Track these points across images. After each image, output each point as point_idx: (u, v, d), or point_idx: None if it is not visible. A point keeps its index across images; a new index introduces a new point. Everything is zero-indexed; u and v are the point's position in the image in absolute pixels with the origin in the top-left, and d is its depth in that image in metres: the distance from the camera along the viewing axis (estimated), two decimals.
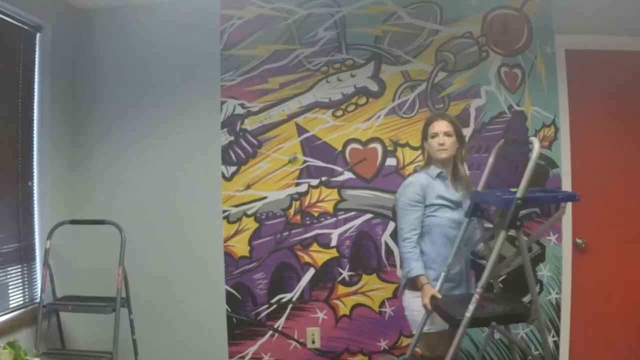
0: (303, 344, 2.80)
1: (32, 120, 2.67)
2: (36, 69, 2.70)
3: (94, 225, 2.64)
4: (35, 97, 2.69)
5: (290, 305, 2.80)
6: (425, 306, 2.02)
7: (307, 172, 2.81)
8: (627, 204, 2.82)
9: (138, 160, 2.93)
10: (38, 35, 2.71)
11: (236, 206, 2.83)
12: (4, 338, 2.22)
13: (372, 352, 2.78)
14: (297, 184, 2.81)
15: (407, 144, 2.77)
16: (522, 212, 2.65)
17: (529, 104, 2.75)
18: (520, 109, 2.75)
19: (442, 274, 2.05)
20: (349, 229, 2.78)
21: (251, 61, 2.84)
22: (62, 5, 2.85)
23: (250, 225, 2.82)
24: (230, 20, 2.86)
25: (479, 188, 2.20)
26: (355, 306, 2.78)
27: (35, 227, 2.67)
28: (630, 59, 2.83)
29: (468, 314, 1.73)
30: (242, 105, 2.84)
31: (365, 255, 2.78)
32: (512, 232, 1.81)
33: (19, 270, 2.53)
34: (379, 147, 2.79)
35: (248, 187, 2.83)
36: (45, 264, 2.55)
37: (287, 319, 2.81)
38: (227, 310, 2.83)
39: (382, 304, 2.77)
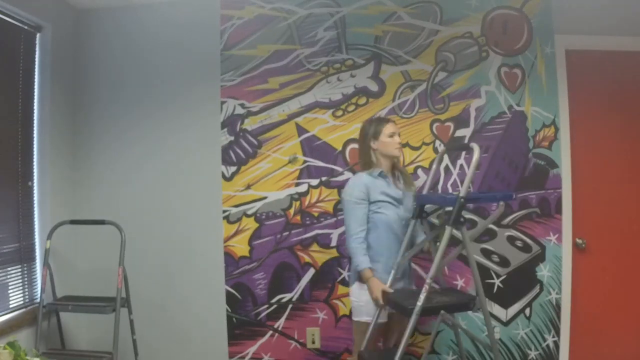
0: (303, 344, 2.81)
1: (32, 120, 2.67)
2: (36, 69, 2.70)
3: (94, 225, 2.64)
4: (35, 97, 2.70)
5: (290, 305, 2.80)
6: (376, 300, 2.19)
7: (307, 172, 2.81)
8: (627, 204, 2.81)
9: (138, 160, 2.93)
10: (38, 35, 2.71)
11: (236, 206, 2.83)
12: (4, 338, 2.22)
13: None
14: (297, 184, 2.81)
15: (407, 144, 2.77)
16: (522, 212, 2.70)
17: (529, 104, 2.75)
18: (520, 109, 2.75)
19: (392, 272, 2.24)
20: None
21: (251, 61, 2.84)
22: (62, 5, 2.85)
23: (251, 225, 2.82)
24: (230, 20, 2.86)
25: (424, 191, 2.47)
26: None
27: (35, 227, 2.67)
28: (630, 59, 2.83)
29: (419, 303, 1.95)
30: (242, 106, 2.84)
31: None
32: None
33: (19, 270, 2.53)
34: None
35: (248, 187, 2.83)
36: (45, 264, 2.55)
37: (287, 319, 2.81)
38: (227, 310, 2.83)
39: None
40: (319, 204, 2.80)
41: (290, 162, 2.81)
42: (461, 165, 2.76)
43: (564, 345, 2.71)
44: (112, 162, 2.94)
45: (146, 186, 2.91)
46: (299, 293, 2.80)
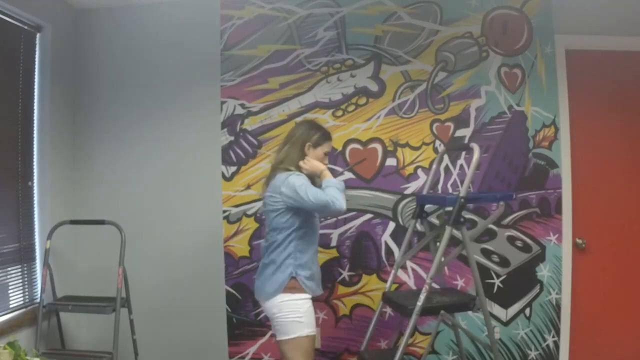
0: None
1: (32, 120, 2.68)
2: (36, 69, 2.70)
3: (94, 225, 2.64)
4: (35, 97, 2.70)
5: None
6: (321, 171, 2.04)
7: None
8: (627, 204, 2.82)
9: (138, 160, 2.93)
10: (38, 35, 2.71)
11: (236, 206, 2.83)
12: (4, 338, 2.22)
13: None
14: None
15: (407, 144, 2.77)
16: (522, 212, 2.70)
17: (529, 104, 2.75)
18: (520, 109, 2.75)
19: (393, 271, 2.28)
20: (349, 229, 2.78)
21: (251, 61, 2.84)
22: (62, 5, 2.85)
23: (251, 225, 2.82)
24: (230, 21, 2.86)
25: (424, 191, 2.50)
26: (355, 306, 2.78)
27: (35, 227, 2.67)
28: (630, 59, 2.83)
29: (419, 303, 1.96)
30: (242, 106, 2.84)
31: (365, 255, 2.77)
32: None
33: (19, 270, 2.54)
34: (379, 147, 2.79)
35: (248, 187, 2.83)
36: (45, 264, 2.55)
37: None
38: (227, 310, 2.83)
39: None
40: None
41: None
42: (461, 165, 2.76)
43: (564, 345, 2.71)
44: (112, 162, 2.94)
45: (146, 186, 2.91)
46: None
